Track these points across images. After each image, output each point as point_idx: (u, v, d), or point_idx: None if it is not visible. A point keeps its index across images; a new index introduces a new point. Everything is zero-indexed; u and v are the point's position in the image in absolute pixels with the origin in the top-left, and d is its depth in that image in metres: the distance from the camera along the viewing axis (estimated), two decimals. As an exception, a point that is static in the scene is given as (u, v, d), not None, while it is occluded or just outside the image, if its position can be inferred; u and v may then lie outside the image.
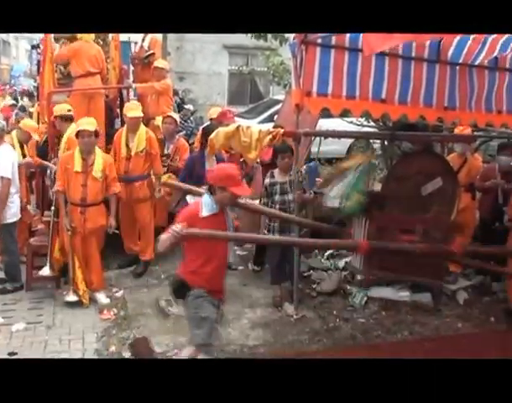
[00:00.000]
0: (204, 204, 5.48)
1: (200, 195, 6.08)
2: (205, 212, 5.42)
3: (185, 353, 5.68)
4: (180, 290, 5.66)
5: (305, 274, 8.93)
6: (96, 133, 8.05)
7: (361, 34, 6.94)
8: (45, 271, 8.29)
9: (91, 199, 7.98)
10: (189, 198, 8.11)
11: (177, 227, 5.07)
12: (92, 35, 10.02)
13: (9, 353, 6.72)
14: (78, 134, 7.92)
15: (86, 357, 6.66)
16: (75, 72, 9.87)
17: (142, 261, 9.08)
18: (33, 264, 8.48)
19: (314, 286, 8.67)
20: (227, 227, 5.60)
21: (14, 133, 9.56)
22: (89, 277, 8.15)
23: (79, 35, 9.92)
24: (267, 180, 8.06)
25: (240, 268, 9.47)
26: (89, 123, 7.97)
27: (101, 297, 8.14)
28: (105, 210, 8.16)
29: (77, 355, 6.71)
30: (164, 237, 5.05)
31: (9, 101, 20.17)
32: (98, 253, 8.25)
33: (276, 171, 8.00)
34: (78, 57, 9.76)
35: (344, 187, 5.65)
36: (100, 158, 8.07)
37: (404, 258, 4.04)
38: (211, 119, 10.63)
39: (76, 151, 7.97)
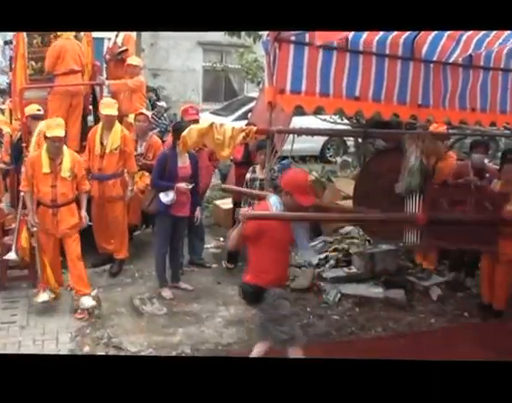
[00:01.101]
0: (272, 204, 5.65)
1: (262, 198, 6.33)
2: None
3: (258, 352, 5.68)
4: (255, 295, 5.75)
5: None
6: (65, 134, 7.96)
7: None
8: (11, 256, 8.09)
9: (61, 199, 7.79)
10: (162, 196, 8.08)
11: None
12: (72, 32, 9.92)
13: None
14: (46, 137, 7.73)
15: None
16: (57, 70, 9.78)
17: (116, 260, 9.01)
18: (7, 264, 8.37)
19: (287, 283, 8.67)
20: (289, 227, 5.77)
21: None
22: (73, 282, 7.96)
23: (59, 33, 9.86)
24: (248, 176, 8.13)
25: (214, 266, 9.47)
26: (59, 127, 7.75)
27: (87, 301, 7.79)
28: (76, 209, 8.03)
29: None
30: (232, 232, 5.17)
31: None
32: (79, 256, 7.95)
33: (258, 167, 8.04)
34: (62, 55, 9.67)
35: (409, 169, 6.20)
36: (68, 157, 7.86)
37: (459, 227, 4.18)
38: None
39: (43, 152, 7.77)
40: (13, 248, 8.01)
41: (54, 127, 7.71)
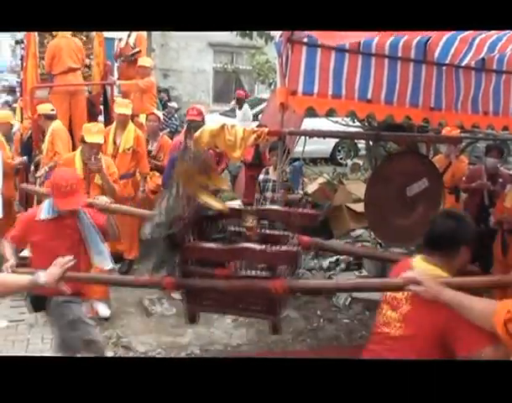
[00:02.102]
0: (43, 207, 5.44)
1: None
2: (42, 216, 5.38)
3: None
4: (37, 302, 5.55)
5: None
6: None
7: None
8: (26, 252, 8.04)
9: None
10: (173, 196, 8.06)
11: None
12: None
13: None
14: (84, 142, 7.51)
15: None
16: (55, 69, 9.80)
17: (126, 260, 9.00)
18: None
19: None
20: (73, 231, 5.50)
21: None
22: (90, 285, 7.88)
23: (54, 32, 9.88)
24: (261, 176, 8.11)
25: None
26: (98, 133, 7.59)
27: (103, 309, 7.70)
28: None
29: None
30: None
31: None
32: None
33: (271, 169, 8.02)
34: (58, 54, 9.69)
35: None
36: (102, 163, 7.69)
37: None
38: None
39: (77, 156, 7.64)
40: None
41: (94, 133, 7.54)
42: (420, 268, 3.42)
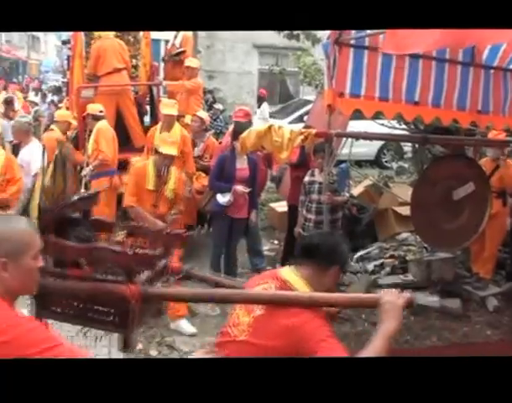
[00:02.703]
0: None
1: None
2: None
3: None
4: None
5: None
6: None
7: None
8: None
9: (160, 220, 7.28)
10: (219, 197, 8.11)
11: None
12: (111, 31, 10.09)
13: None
14: (158, 153, 7.39)
15: (112, 354, 6.64)
16: (100, 70, 9.91)
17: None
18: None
19: (343, 289, 8.59)
20: None
21: (55, 126, 9.48)
22: None
23: (96, 33, 10.00)
24: (306, 178, 8.07)
25: (268, 268, 9.41)
26: (173, 145, 7.47)
27: (187, 327, 7.46)
28: None
29: (103, 352, 6.69)
30: None
31: (33, 97, 20.37)
32: None
33: (316, 171, 7.98)
34: (103, 55, 9.80)
35: None
36: (174, 176, 7.53)
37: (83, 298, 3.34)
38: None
39: (150, 166, 7.44)
40: None
41: (169, 144, 7.43)
42: (286, 277, 3.25)
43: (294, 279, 3.24)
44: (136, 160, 7.83)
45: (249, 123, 8.78)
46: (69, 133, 9.74)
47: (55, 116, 10.00)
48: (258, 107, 14.94)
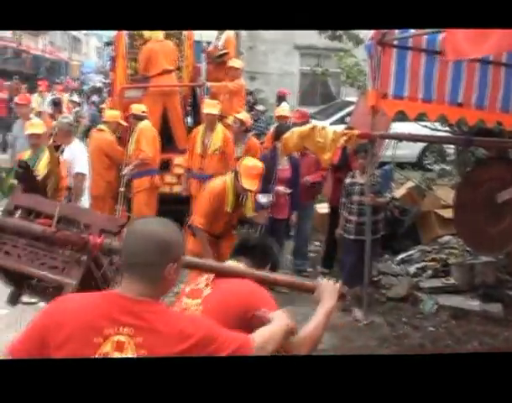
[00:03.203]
0: None
1: None
2: None
3: None
4: None
5: (375, 279, 8.80)
6: None
7: (438, 36, 6.82)
8: None
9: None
10: (260, 197, 8.11)
11: None
12: (162, 33, 10.24)
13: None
14: (243, 188, 6.89)
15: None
16: (150, 71, 10.02)
17: (212, 258, 9.07)
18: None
19: (383, 291, 8.55)
20: None
21: (105, 126, 9.55)
22: None
23: (147, 35, 10.11)
24: (347, 180, 8.00)
25: (309, 270, 9.39)
26: (256, 179, 7.01)
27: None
28: None
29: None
30: None
31: (75, 97, 20.59)
32: None
33: (357, 172, 7.93)
34: (154, 57, 9.90)
35: None
36: (250, 199, 7.25)
37: (39, 246, 3.34)
38: (277, 118, 10.72)
39: (229, 188, 6.98)
40: None
41: (252, 177, 6.94)
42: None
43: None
44: (213, 182, 7.36)
45: (306, 124, 8.75)
46: (124, 123, 9.80)
47: (104, 116, 10.05)
48: (278, 106, 14.91)
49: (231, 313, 3.13)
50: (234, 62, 10.74)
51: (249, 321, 3.07)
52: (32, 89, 20.68)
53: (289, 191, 8.10)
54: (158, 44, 10.07)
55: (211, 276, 3.40)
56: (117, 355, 2.40)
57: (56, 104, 14.49)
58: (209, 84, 10.84)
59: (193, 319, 2.75)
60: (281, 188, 8.08)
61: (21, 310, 7.79)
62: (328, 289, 3.37)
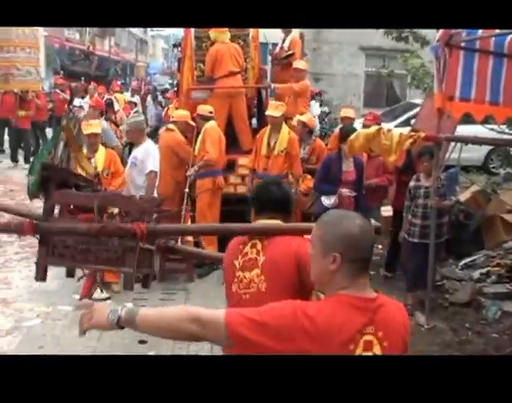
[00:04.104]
0: None
1: None
2: None
3: None
4: None
5: (438, 283, 8.72)
6: None
7: (507, 38, 6.73)
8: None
9: None
10: (324, 199, 8.13)
11: None
12: (228, 35, 10.33)
13: (139, 341, 6.85)
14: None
15: (213, 351, 6.73)
16: (216, 73, 10.11)
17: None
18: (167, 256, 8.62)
19: (447, 296, 8.47)
20: None
21: (173, 126, 9.66)
22: None
23: (213, 37, 10.21)
24: (411, 184, 7.93)
25: (371, 273, 9.34)
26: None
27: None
28: None
29: (204, 349, 6.82)
30: None
31: (134, 98, 20.90)
32: None
33: (422, 175, 7.86)
34: (220, 58, 10.00)
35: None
36: None
37: (88, 242, 3.46)
38: (341, 119, 10.68)
39: None
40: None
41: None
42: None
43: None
44: None
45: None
46: (192, 123, 9.90)
47: (173, 116, 10.16)
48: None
49: (291, 270, 3.40)
50: (299, 63, 10.75)
51: (304, 267, 3.18)
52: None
53: (353, 193, 8.07)
54: (224, 45, 10.17)
55: (258, 243, 3.56)
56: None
57: (109, 105, 14.70)
58: (274, 85, 10.87)
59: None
60: (345, 190, 8.07)
61: (86, 307, 8.04)
62: None
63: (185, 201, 8.79)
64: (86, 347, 6.69)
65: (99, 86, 20.84)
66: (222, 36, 10.21)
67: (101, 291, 8.21)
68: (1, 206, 5.57)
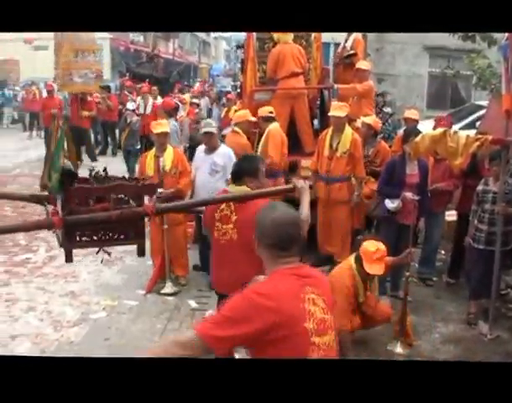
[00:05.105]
0: None
1: None
2: None
3: None
4: None
5: (503, 292, 8.51)
6: None
7: None
8: None
9: None
10: (387, 202, 8.01)
11: None
12: (291, 36, 10.31)
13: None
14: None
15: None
16: (279, 74, 10.08)
17: (337, 262, 9.00)
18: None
19: (511, 306, 8.25)
20: None
21: (238, 128, 9.64)
22: None
23: (276, 38, 10.20)
24: (479, 188, 7.70)
25: (434, 279, 9.18)
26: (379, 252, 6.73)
27: None
28: None
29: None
30: None
31: (196, 100, 21.09)
32: None
33: (491, 179, 7.63)
34: (282, 59, 9.97)
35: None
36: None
37: (104, 226, 4.10)
38: (405, 120, 10.63)
39: (358, 278, 6.81)
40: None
41: (377, 261, 6.69)
42: (230, 190, 5.40)
43: (240, 189, 5.23)
44: (339, 277, 7.21)
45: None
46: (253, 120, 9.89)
47: (234, 118, 10.14)
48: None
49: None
50: (361, 64, 10.63)
51: None
52: (162, 92, 21.40)
53: (417, 197, 7.90)
54: (286, 46, 10.15)
55: (231, 204, 5.24)
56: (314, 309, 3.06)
57: (177, 109, 14.89)
58: (337, 86, 10.76)
59: None
60: (409, 194, 7.92)
61: (151, 302, 8.19)
62: (304, 187, 4.63)
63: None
64: (150, 341, 6.88)
65: (159, 88, 21.19)
66: (284, 37, 10.21)
67: (172, 286, 8.61)
68: (4, 194, 6.53)
